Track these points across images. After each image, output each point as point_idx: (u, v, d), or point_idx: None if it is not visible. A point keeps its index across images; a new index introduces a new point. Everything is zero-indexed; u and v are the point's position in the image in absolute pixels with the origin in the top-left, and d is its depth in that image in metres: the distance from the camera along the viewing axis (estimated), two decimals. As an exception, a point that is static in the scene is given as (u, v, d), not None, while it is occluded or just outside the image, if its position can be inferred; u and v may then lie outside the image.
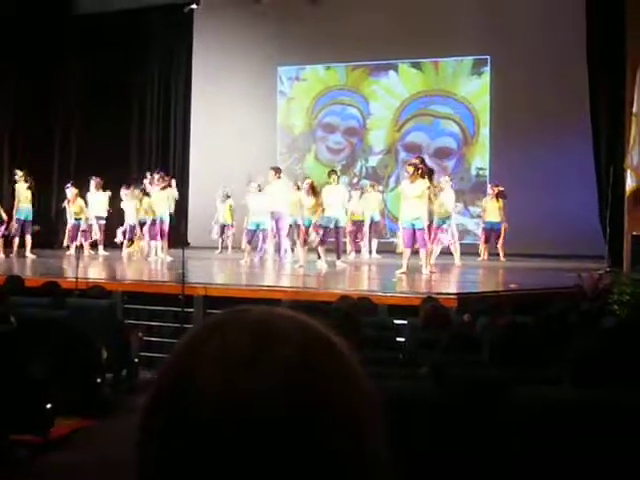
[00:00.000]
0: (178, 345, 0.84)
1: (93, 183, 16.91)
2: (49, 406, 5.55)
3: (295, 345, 0.80)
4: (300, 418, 0.76)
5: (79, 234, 16.83)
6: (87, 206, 16.93)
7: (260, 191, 15.33)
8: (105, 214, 16.96)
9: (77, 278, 10.14)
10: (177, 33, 20.82)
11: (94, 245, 17.18)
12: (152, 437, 0.80)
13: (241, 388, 0.76)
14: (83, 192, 17.03)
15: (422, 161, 12.66)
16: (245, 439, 0.75)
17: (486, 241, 16.52)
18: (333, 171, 15.24)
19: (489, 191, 16.80)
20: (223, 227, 18.38)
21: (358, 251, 17.11)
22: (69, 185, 17.21)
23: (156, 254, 15.98)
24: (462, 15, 18.15)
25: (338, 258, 14.01)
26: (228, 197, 17.94)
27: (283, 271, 13.95)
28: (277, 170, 15.11)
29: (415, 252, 12.42)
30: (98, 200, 16.91)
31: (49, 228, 19.06)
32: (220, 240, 18.39)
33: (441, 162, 19.05)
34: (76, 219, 16.87)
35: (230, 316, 0.84)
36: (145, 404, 0.83)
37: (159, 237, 15.97)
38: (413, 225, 12.21)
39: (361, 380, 0.83)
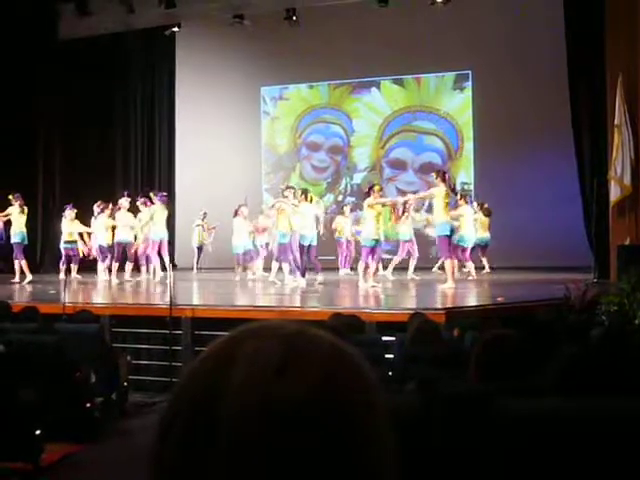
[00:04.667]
0: (209, 350, 0.86)
1: (97, 209, 16.63)
2: (39, 432, 5.51)
3: (325, 358, 0.83)
4: (323, 429, 0.79)
5: (72, 258, 16.71)
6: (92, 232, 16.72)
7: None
8: (107, 240, 16.55)
9: (64, 303, 10.10)
10: (159, 56, 20.88)
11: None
12: (174, 439, 0.82)
13: (269, 393, 0.79)
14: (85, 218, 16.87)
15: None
16: (267, 444, 0.78)
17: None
18: (304, 190, 15.27)
19: None
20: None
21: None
22: (70, 205, 17.02)
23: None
24: (443, 31, 18.27)
25: (302, 275, 14.14)
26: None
27: (270, 290, 13.91)
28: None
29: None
30: (102, 226, 16.61)
31: (35, 252, 18.97)
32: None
33: (426, 177, 19.13)
34: (67, 242, 16.70)
35: (264, 325, 0.88)
36: (168, 408, 0.84)
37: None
38: None
39: (380, 398, 0.86)
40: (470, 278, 14.70)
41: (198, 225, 18.80)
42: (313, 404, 0.79)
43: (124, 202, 16.20)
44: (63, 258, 16.73)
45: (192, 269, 18.63)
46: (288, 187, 14.88)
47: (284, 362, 0.81)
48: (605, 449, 2.12)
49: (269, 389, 0.79)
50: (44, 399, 5.77)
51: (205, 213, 18.73)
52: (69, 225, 16.74)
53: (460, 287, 13.49)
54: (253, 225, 16.78)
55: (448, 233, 12.75)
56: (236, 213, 16.44)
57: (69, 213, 16.77)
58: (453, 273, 12.83)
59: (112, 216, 16.18)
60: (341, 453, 0.80)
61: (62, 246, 16.80)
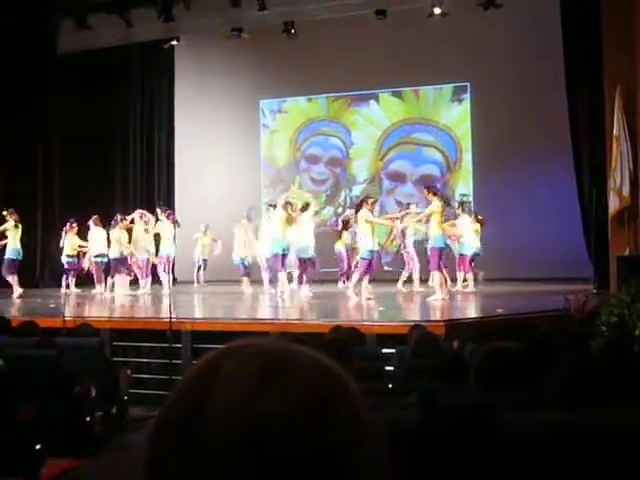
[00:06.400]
0: (193, 368, 0.88)
1: (92, 221, 16.75)
2: (39, 446, 5.50)
3: (306, 374, 0.84)
4: (306, 442, 0.80)
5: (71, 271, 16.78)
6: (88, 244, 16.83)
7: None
8: (105, 251, 16.68)
9: (64, 317, 10.09)
10: (159, 69, 20.91)
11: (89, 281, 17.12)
12: (164, 455, 0.83)
13: (251, 410, 0.80)
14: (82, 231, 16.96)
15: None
16: (254, 459, 0.79)
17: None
18: (306, 203, 15.23)
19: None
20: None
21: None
22: (74, 219, 17.05)
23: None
24: (441, 43, 18.29)
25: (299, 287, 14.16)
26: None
27: (270, 303, 13.90)
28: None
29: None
30: (99, 238, 16.69)
31: (34, 267, 18.95)
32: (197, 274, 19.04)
33: (425, 189, 19.13)
34: (69, 255, 16.73)
35: (245, 343, 0.89)
36: (157, 423, 0.86)
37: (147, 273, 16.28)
38: None
39: (364, 411, 0.87)
40: (468, 290, 14.62)
41: (198, 238, 18.81)
42: (295, 420, 0.80)
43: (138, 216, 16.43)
44: (65, 272, 16.76)
45: (193, 283, 18.61)
46: (288, 203, 14.81)
47: (265, 379, 0.82)
48: (607, 461, 2.11)
49: (251, 405, 0.80)
50: (44, 413, 5.76)
51: (207, 226, 18.71)
52: (71, 239, 16.77)
53: (459, 299, 13.49)
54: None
55: (443, 245, 12.86)
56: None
57: (72, 227, 16.80)
58: (442, 285, 12.84)
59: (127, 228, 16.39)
60: (326, 466, 0.80)
61: (64, 260, 16.80)
